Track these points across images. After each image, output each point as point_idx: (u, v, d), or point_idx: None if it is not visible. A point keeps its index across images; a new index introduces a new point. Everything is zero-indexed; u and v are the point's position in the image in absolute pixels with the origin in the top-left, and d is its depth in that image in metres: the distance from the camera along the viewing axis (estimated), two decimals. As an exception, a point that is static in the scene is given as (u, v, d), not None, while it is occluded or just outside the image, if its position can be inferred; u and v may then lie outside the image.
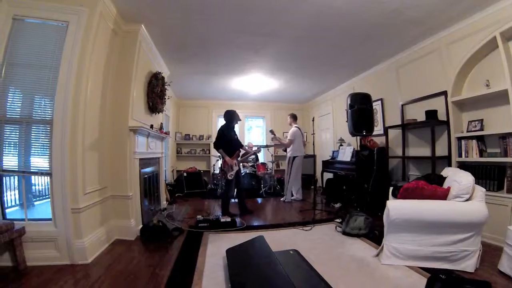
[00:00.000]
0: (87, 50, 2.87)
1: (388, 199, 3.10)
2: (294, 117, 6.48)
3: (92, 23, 2.91)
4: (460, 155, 3.66)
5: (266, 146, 7.86)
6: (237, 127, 5.10)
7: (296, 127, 6.23)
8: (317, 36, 4.12)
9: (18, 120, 2.74)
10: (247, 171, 6.86)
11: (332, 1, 3.17)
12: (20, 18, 2.75)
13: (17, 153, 2.75)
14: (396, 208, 2.68)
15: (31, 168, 2.78)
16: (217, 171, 7.62)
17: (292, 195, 6.18)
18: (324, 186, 6.41)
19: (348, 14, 3.45)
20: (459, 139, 3.68)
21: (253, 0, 3.17)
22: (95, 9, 2.93)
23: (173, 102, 8.01)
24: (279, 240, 3.42)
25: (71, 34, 2.81)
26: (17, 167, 2.73)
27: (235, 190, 4.99)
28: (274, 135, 6.42)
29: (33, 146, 2.79)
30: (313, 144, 5.49)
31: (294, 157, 6.03)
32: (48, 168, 2.74)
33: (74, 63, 2.78)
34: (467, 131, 3.61)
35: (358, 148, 5.23)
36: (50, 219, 2.75)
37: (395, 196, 3.12)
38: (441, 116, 3.92)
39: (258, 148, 6.69)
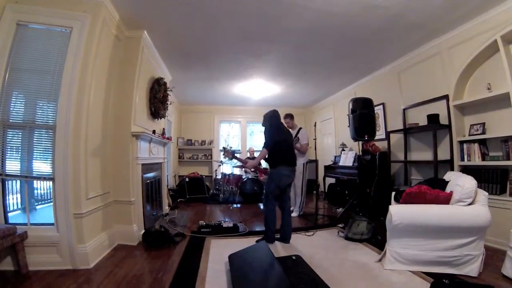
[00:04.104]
0: (90, 56, 2.90)
1: (390, 204, 3.09)
2: (292, 117, 5.36)
3: (95, 29, 2.94)
4: (462, 159, 3.64)
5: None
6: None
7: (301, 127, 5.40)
8: (318, 42, 4.14)
9: (21, 124, 2.75)
10: (249, 177, 6.83)
11: (333, 6, 3.19)
12: (24, 23, 2.78)
13: (19, 157, 2.76)
14: (399, 213, 2.67)
15: (34, 172, 2.78)
16: (219, 176, 7.60)
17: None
18: (326, 191, 6.39)
19: (349, 19, 3.47)
20: (461, 142, 3.67)
21: (254, 6, 3.20)
22: (98, 15, 2.97)
23: (175, 108, 8.05)
24: (281, 246, 3.41)
25: (74, 40, 2.84)
26: (19, 171, 2.74)
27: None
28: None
29: (35, 151, 2.80)
30: (315, 149, 5.47)
31: (307, 162, 5.25)
32: (50, 173, 2.74)
33: (77, 68, 2.81)
34: (469, 135, 3.60)
35: (360, 153, 5.22)
36: (52, 224, 2.75)
37: (397, 200, 3.10)
38: (443, 120, 3.91)
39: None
